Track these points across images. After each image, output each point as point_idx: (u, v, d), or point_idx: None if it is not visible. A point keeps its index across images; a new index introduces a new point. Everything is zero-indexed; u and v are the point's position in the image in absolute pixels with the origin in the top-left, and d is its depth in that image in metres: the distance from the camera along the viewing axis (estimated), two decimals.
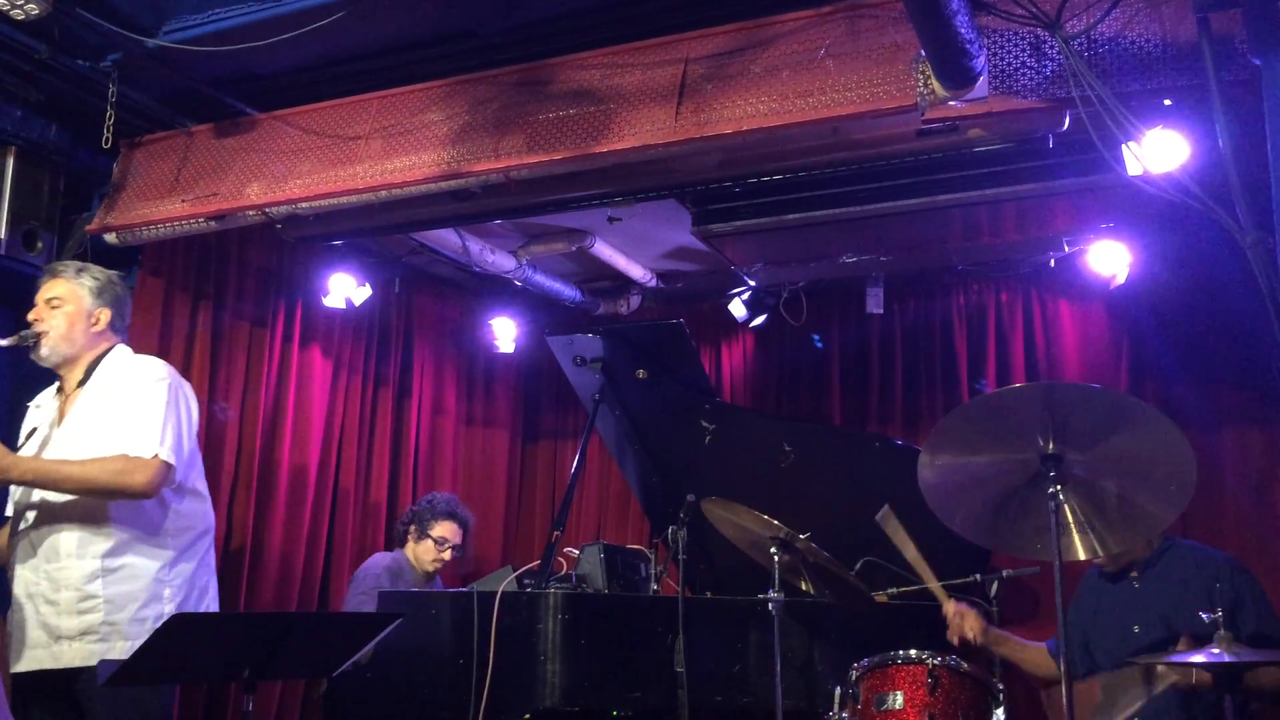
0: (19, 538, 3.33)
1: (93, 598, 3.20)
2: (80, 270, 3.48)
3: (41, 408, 3.53)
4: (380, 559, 4.91)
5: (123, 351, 3.51)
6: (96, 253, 4.30)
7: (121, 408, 3.31)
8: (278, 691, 4.85)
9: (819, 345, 5.85)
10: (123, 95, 3.91)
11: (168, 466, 3.25)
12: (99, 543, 3.24)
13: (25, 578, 3.29)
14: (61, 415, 3.41)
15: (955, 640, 3.64)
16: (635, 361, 4.49)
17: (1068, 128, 3.25)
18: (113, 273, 3.56)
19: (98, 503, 3.24)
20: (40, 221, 4.13)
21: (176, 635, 2.75)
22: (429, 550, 4.87)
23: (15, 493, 3.36)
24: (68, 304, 3.41)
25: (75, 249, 4.28)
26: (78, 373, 3.43)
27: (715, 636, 3.87)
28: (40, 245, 4.12)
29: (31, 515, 3.31)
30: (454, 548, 4.92)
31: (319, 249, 5.07)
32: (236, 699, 4.53)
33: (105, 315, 3.46)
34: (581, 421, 6.04)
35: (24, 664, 3.25)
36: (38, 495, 3.28)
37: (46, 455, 3.32)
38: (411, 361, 5.87)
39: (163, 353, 4.43)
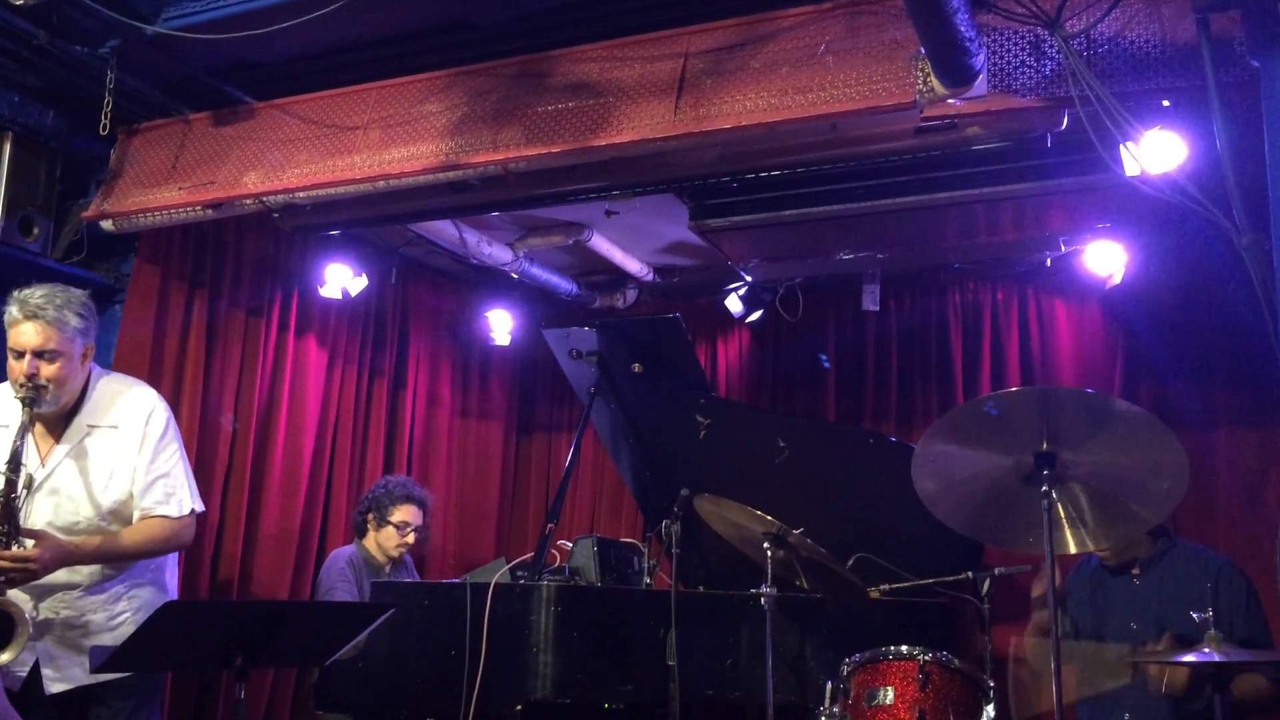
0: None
1: (121, 614, 3.39)
2: (60, 309, 3.30)
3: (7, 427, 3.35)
4: (339, 555, 4.81)
5: (103, 378, 3.51)
6: (93, 240, 4.30)
7: (135, 456, 3.40)
8: (270, 680, 4.85)
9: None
10: (121, 82, 3.90)
11: (198, 513, 3.55)
12: (121, 570, 3.41)
13: (46, 607, 3.30)
14: (43, 448, 3.36)
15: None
16: (631, 355, 4.49)
17: (1066, 127, 3.26)
18: (83, 294, 3.43)
19: None
20: (37, 208, 4.11)
21: (168, 623, 2.75)
22: (391, 536, 4.79)
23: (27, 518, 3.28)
24: (61, 356, 3.30)
25: (72, 236, 4.27)
26: (59, 413, 3.38)
27: (708, 630, 3.87)
28: (37, 232, 4.10)
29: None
30: (416, 530, 4.84)
31: (315, 239, 5.06)
32: (228, 687, 4.53)
33: (90, 350, 3.44)
34: (576, 415, 6.05)
35: (59, 685, 3.29)
36: (54, 532, 3.26)
37: (43, 496, 3.31)
38: (407, 353, 5.86)
39: (158, 341, 4.44)
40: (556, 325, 4.71)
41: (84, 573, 3.34)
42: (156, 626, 2.71)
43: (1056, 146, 3.54)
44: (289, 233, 4.83)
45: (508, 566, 3.94)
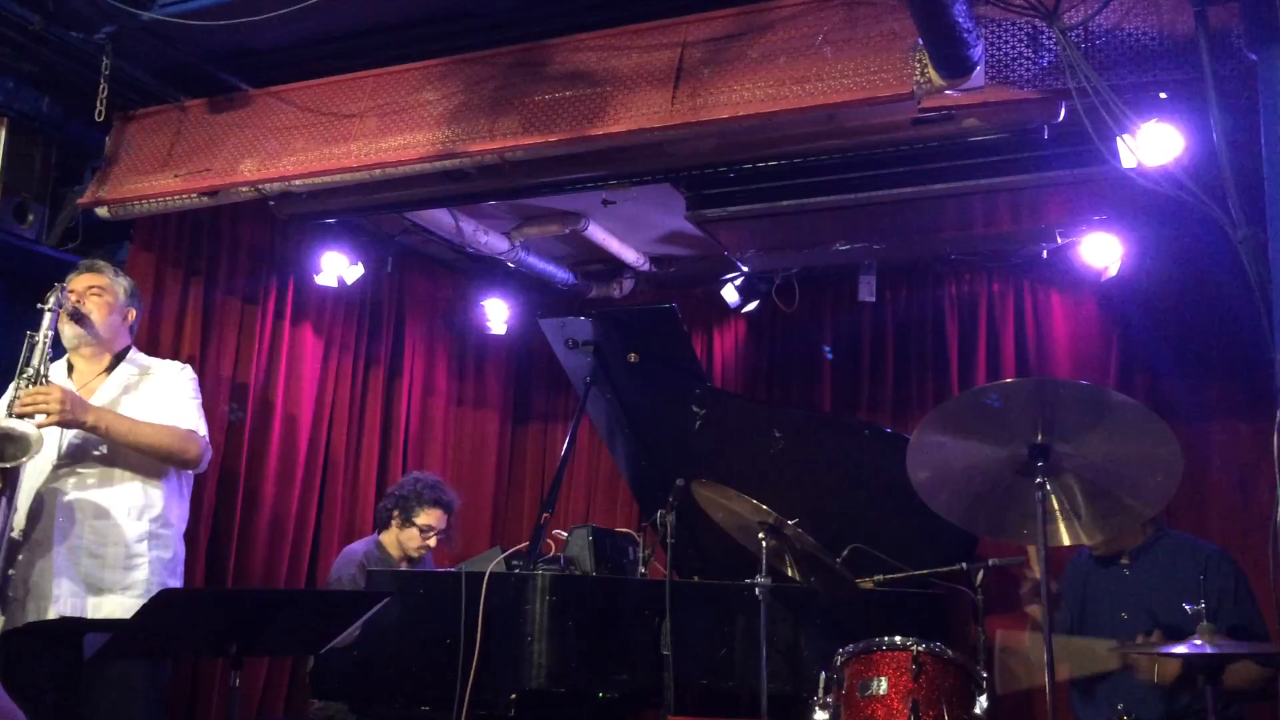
0: (51, 492, 3.42)
1: (139, 557, 3.47)
2: (116, 272, 3.75)
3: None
4: (353, 553, 4.78)
5: (139, 352, 3.79)
6: (88, 227, 4.29)
7: (161, 389, 3.64)
8: (265, 668, 4.86)
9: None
10: (116, 68, 3.88)
11: (208, 446, 3.68)
12: (151, 509, 3.52)
13: (61, 530, 3.38)
14: (92, 385, 3.58)
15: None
16: (627, 345, 4.49)
17: (1063, 119, 3.25)
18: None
19: (154, 469, 3.53)
20: (32, 194, 4.10)
21: (164, 610, 2.76)
22: (413, 538, 4.75)
23: (50, 449, 3.38)
24: (108, 295, 3.66)
25: (67, 222, 4.26)
26: (102, 361, 3.66)
27: (702, 620, 3.89)
28: (32, 218, 4.09)
29: (80, 471, 3.46)
30: (439, 533, 4.81)
31: (312, 227, 5.05)
32: (223, 674, 4.53)
33: (133, 315, 3.78)
34: (572, 404, 6.06)
35: (50, 613, 3.32)
36: (96, 452, 3.47)
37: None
38: (403, 341, 5.86)
39: (153, 328, 4.44)
40: (552, 315, 4.71)
41: (118, 501, 3.46)
42: (152, 613, 2.72)
43: (1053, 138, 3.54)
44: (285, 220, 4.82)
45: (503, 556, 3.95)
